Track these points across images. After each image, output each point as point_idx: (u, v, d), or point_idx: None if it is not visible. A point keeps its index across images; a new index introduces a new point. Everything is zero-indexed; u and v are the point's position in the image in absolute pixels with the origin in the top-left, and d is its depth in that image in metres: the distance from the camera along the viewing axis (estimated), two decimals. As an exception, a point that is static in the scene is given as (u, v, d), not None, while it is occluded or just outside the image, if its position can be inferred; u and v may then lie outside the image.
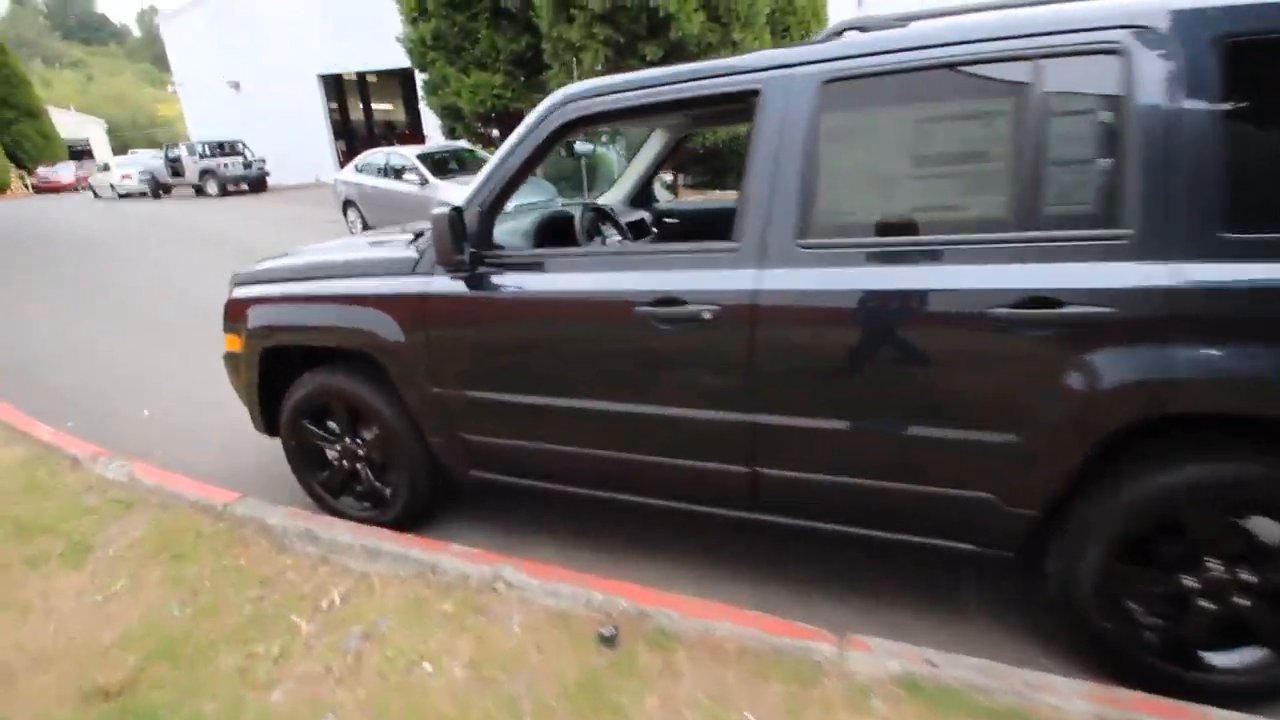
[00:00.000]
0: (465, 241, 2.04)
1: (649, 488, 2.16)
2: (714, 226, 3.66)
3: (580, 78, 10.55)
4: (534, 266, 2.12)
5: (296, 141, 22.46)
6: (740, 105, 1.91)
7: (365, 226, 11.03)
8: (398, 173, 10.39)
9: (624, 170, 3.54)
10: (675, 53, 10.00)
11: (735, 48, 10.38)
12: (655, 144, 3.31)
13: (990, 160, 1.65)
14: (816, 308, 1.76)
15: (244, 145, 20.79)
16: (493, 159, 2.12)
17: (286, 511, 2.59)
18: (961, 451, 1.73)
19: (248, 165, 20.48)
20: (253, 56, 22.56)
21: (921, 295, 1.67)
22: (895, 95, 1.72)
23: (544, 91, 12.49)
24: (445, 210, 1.97)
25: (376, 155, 11.22)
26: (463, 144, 12.75)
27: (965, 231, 1.66)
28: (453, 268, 2.07)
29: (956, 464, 1.75)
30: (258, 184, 20.69)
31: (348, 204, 11.27)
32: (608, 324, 2.00)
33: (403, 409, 2.40)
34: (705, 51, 10.19)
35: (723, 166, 13.17)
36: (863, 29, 1.83)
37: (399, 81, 23.98)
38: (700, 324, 1.86)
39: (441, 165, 10.40)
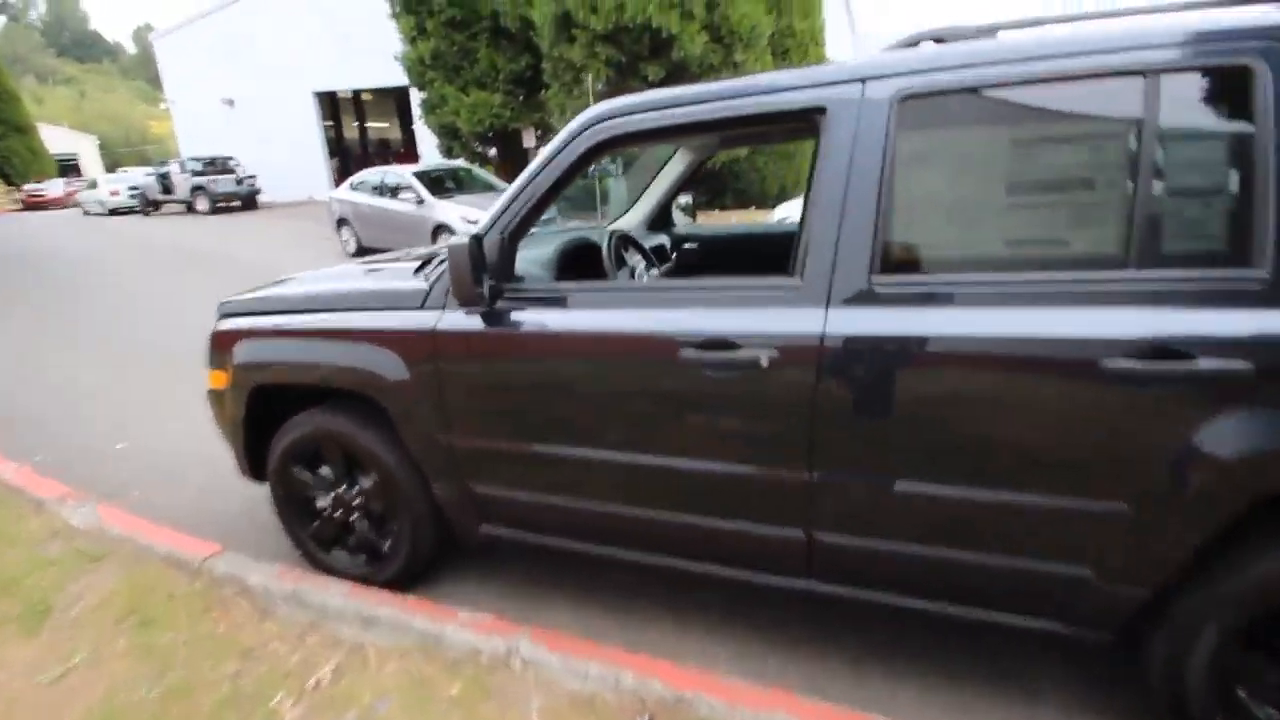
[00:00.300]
0: (485, 274, 1.81)
1: (687, 550, 1.92)
2: (737, 253, 3.49)
3: (581, 98, 10.45)
4: (560, 301, 1.88)
5: (290, 159, 22.29)
6: (799, 124, 1.70)
7: (359, 245, 10.82)
8: (394, 191, 10.20)
9: (624, 191, 3.33)
10: (677, 73, 9.91)
11: (737, 69, 10.31)
12: (678, 165, 3.11)
13: (1099, 189, 1.44)
14: (894, 354, 1.53)
15: (236, 162, 20.61)
16: (516, 181, 1.90)
17: (271, 569, 2.32)
18: (1060, 521, 1.50)
19: (239, 182, 20.25)
20: (248, 74, 22.46)
21: (1018, 342, 1.44)
22: (988, 114, 1.51)
23: (543, 111, 12.43)
24: (464, 240, 1.74)
25: (372, 173, 11.04)
26: (460, 163, 12.60)
27: (1068, 269, 1.45)
28: (470, 303, 1.83)
29: (1053, 534, 1.52)
30: (249, 201, 20.46)
31: (341, 222, 11.05)
32: (647, 368, 1.77)
33: (406, 456, 2.14)
34: (707, 73, 10.11)
35: (721, 187, 13.09)
36: (940, 40, 1.63)
37: (394, 100, 23.92)
38: (756, 371, 1.62)
39: (438, 184, 10.22)
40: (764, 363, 1.61)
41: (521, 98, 12.41)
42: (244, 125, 23.00)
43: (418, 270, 2.22)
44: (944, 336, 1.49)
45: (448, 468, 2.09)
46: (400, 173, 10.47)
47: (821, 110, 1.61)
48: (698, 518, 1.84)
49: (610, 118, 1.79)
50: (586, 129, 1.81)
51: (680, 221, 3.51)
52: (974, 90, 1.48)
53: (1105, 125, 1.42)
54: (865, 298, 1.55)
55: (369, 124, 28.07)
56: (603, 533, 2.00)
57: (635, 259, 2.64)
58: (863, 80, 1.57)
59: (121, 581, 2.36)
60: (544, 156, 1.86)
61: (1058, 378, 1.43)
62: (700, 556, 1.91)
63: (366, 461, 2.22)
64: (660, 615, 2.22)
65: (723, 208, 12.83)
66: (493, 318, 1.90)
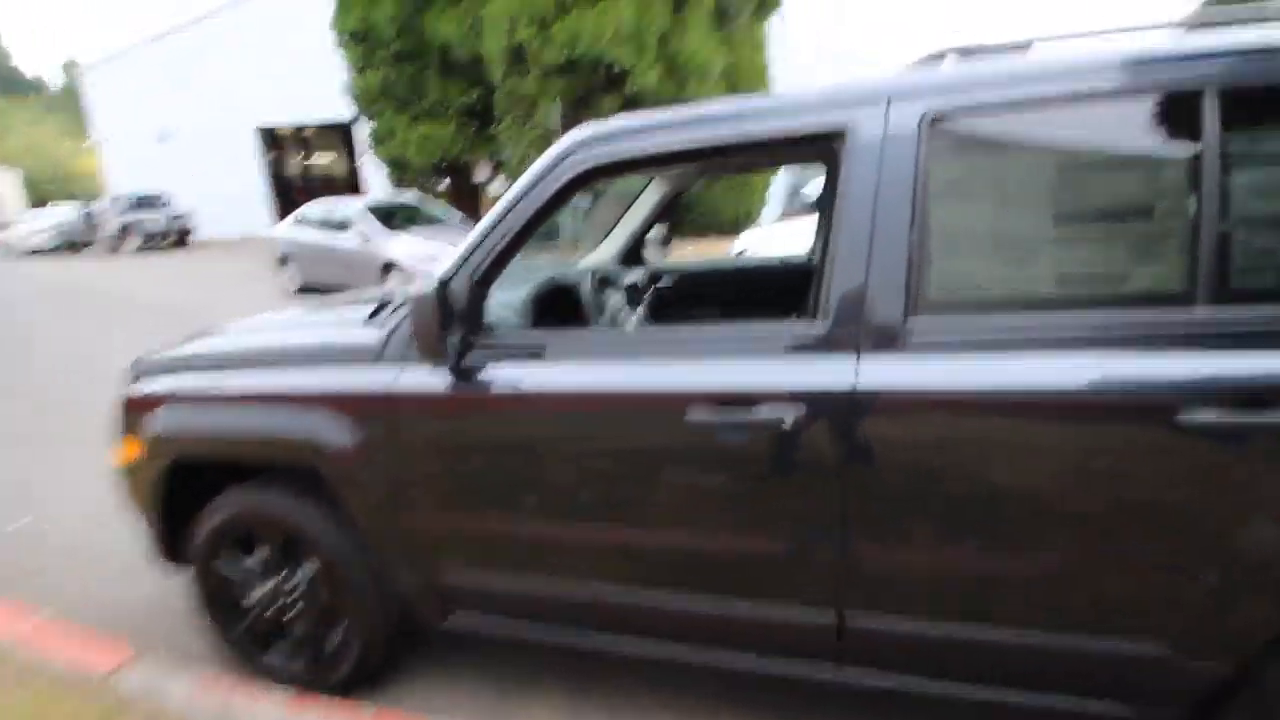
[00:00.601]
0: (453, 324, 1.54)
1: (695, 637, 1.65)
2: (717, 290, 3.29)
3: (535, 130, 10.29)
4: (541, 353, 1.62)
5: (229, 194, 21.47)
6: (813, 149, 1.50)
7: (304, 283, 10.28)
8: (341, 226, 9.74)
9: (595, 222, 3.10)
10: (632, 106, 9.86)
11: (691, 101, 10.32)
12: (653, 195, 2.90)
13: (1159, 219, 1.27)
14: (939, 410, 1.32)
15: (168, 198, 19.71)
16: (486, 218, 1.64)
17: (193, 679, 1.94)
18: (1133, 592, 1.31)
19: (172, 219, 19.37)
20: (184, 108, 21.64)
21: (1082, 392, 1.25)
22: (1033, 137, 1.33)
23: (496, 144, 12.21)
24: (428, 288, 1.47)
25: (318, 207, 10.56)
26: (410, 196, 12.24)
27: (1128, 308, 1.27)
28: (436, 359, 1.55)
29: (1123, 608, 1.33)
30: (182, 239, 19.57)
31: (284, 259, 10.50)
32: (648, 430, 1.51)
33: (357, 539, 1.82)
34: (662, 104, 10.10)
35: (678, 218, 13.05)
36: (966, 54, 1.46)
37: (339, 134, 23.38)
38: (778, 432, 1.39)
39: (388, 219, 9.81)
40: (788, 423, 1.37)
41: (474, 130, 12.17)
42: (179, 160, 22.10)
43: (371, 318, 1.92)
44: (994, 389, 1.29)
45: (408, 551, 1.78)
46: (349, 205, 10.03)
47: (840, 135, 1.41)
48: (710, 601, 1.58)
49: (598, 143, 1.56)
50: (569, 156, 1.57)
51: (654, 256, 3.29)
52: (1016, 109, 1.30)
53: (1167, 147, 1.26)
54: (901, 344, 1.34)
55: (313, 159, 27.35)
56: (597, 621, 1.72)
57: (615, 299, 2.40)
58: (887, 100, 1.38)
59: (3, 711, 1.93)
60: (519, 188, 1.61)
61: (1129, 431, 1.24)
62: (713, 645, 1.64)
63: (309, 545, 1.88)
64: (660, 713, 1.92)
65: (680, 237, 12.77)
66: (462, 375, 1.62)
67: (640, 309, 2.53)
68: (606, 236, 3.04)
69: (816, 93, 1.44)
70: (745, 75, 13.29)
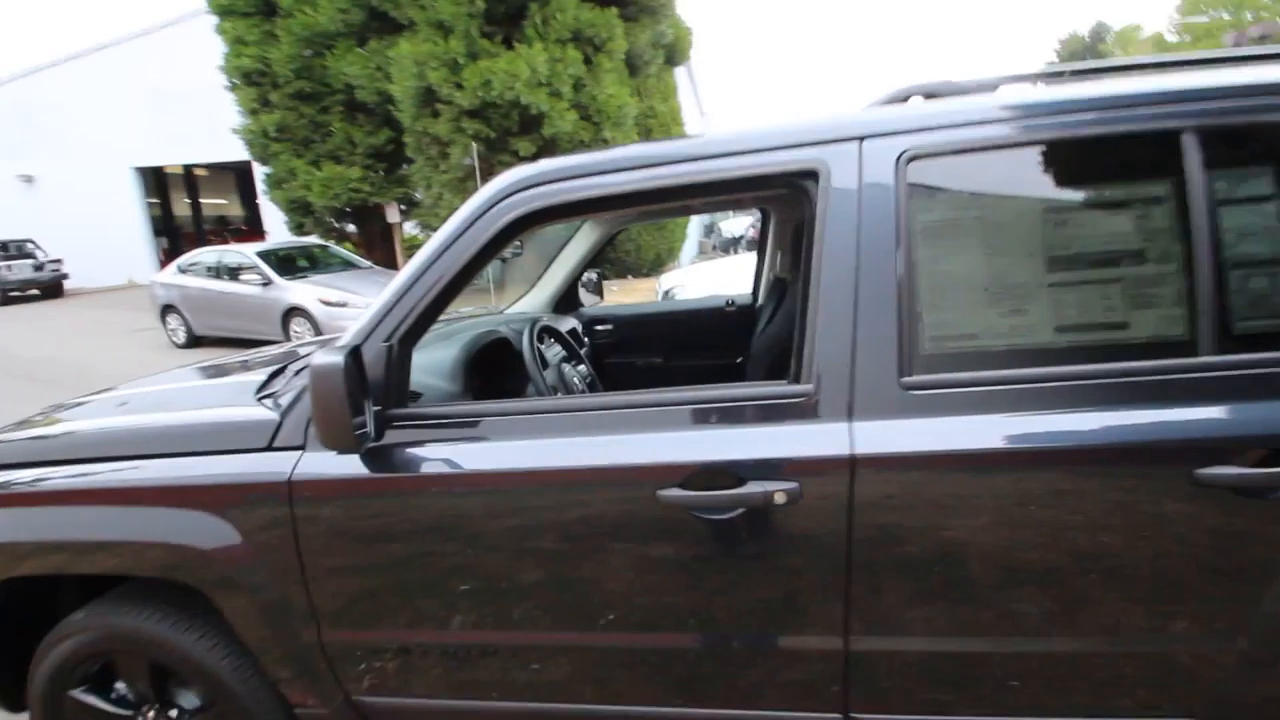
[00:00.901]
0: (368, 400, 1.27)
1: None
2: (659, 334, 3.13)
3: (448, 173, 9.99)
4: (478, 426, 1.37)
5: (107, 240, 19.69)
6: (780, 190, 1.37)
7: (190, 334, 9.42)
8: (234, 272, 9.03)
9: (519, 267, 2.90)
10: (549, 149, 9.76)
11: (607, 144, 10.36)
12: (587, 237, 2.72)
13: (1152, 262, 1.20)
14: (948, 474, 1.19)
15: (35, 245, 17.87)
16: (406, 270, 1.39)
17: None
18: (1158, 667, 1.21)
19: (39, 268, 17.54)
20: (54, 148, 19.84)
21: (1095, 448, 1.15)
22: (1015, 177, 1.24)
23: (407, 186, 11.78)
24: (331, 358, 1.19)
25: (207, 254, 9.80)
26: (313, 240, 11.56)
27: (1130, 357, 1.18)
28: (348, 447, 1.26)
29: (1148, 681, 1.21)
30: (53, 289, 17.74)
31: (167, 309, 9.60)
32: (611, 516, 1.29)
33: (248, 661, 1.48)
34: (577, 149, 10.07)
35: (597, 257, 12.98)
36: (932, 95, 1.37)
37: (234, 175, 22.13)
38: (767, 510, 1.20)
39: (289, 263, 9.19)
40: (780, 499, 1.19)
41: (383, 172, 11.70)
42: (47, 204, 20.17)
43: (261, 389, 1.61)
44: (1005, 448, 1.17)
45: (313, 673, 1.46)
46: (241, 252, 9.35)
47: (812, 174, 1.28)
48: (690, 710, 1.35)
49: (539, 184, 1.35)
50: (506, 197, 1.36)
51: (588, 301, 3.11)
52: (998, 148, 1.21)
53: (1155, 188, 1.20)
54: (897, 405, 1.20)
55: (204, 200, 25.70)
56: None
57: (555, 351, 2.17)
58: (859, 139, 1.27)
59: None
60: (447, 234, 1.38)
61: (1147, 489, 1.15)
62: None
63: (188, 673, 1.52)
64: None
65: (603, 278, 12.71)
66: (382, 457, 1.35)
67: (584, 367, 2.31)
68: (537, 282, 2.83)
69: (783, 130, 1.31)
70: (660, 121, 13.56)
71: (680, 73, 16.14)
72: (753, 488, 1.20)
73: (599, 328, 2.97)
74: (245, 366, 2.01)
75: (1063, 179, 1.24)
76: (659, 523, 1.26)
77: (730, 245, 19.24)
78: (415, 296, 1.37)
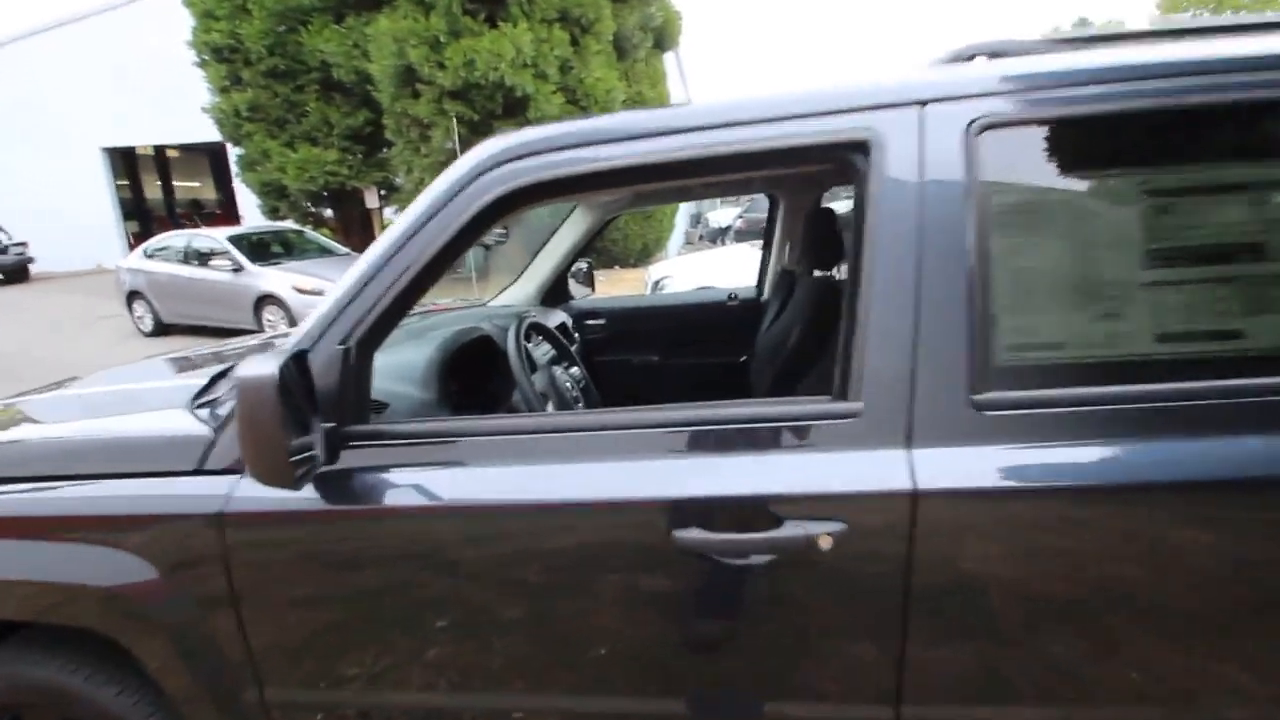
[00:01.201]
0: (316, 417, 1.03)
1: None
2: (658, 330, 2.90)
3: (430, 156, 9.64)
4: (455, 448, 1.14)
5: (76, 222, 19.02)
6: (820, 166, 1.14)
7: (157, 322, 9.04)
8: (203, 258, 8.65)
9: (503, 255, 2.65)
10: (534, 132, 9.45)
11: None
12: (578, 224, 2.48)
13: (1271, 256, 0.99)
14: (1029, 515, 0.97)
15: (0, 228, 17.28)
16: (364, 259, 1.15)
17: None
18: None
19: (2, 250, 16.97)
20: (19, 127, 19.07)
21: (1199, 483, 0.95)
22: (1118, 151, 1.03)
23: (387, 170, 11.38)
24: (265, 369, 0.93)
25: (175, 238, 9.40)
26: (289, 224, 11.15)
27: (1258, 374, 0.97)
28: (280, 480, 1.01)
29: None
30: (18, 273, 17.15)
31: (134, 295, 9.21)
32: (620, 563, 1.06)
33: (171, 715, 1.24)
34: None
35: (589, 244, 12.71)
36: (998, 54, 1.15)
37: (208, 157, 21.42)
38: (807, 555, 0.99)
39: (262, 248, 8.82)
40: (824, 543, 0.97)
41: (361, 155, 11.28)
42: (12, 185, 19.44)
43: (198, 398, 1.36)
44: (1104, 485, 0.96)
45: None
46: (211, 236, 8.96)
47: (861, 146, 1.05)
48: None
49: (526, 155, 1.12)
50: (487, 172, 1.12)
51: (579, 293, 2.87)
52: (1093, 117, 0.99)
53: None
54: (967, 428, 0.98)
55: (176, 182, 24.92)
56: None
57: (544, 351, 1.93)
58: (920, 103, 1.04)
59: None
60: (416, 217, 1.13)
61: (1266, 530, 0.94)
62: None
63: (104, 732, 1.28)
64: None
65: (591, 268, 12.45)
66: (335, 486, 1.11)
67: (577, 369, 2.06)
68: (524, 271, 2.59)
69: (826, 93, 1.08)
70: (650, 106, 13.28)
71: (669, 61, 15.82)
72: (790, 529, 0.98)
73: (590, 322, 2.74)
74: (185, 368, 1.75)
75: (1174, 154, 1.02)
76: (675, 569, 1.03)
77: (718, 236, 19.05)
78: (379, 289, 1.13)
